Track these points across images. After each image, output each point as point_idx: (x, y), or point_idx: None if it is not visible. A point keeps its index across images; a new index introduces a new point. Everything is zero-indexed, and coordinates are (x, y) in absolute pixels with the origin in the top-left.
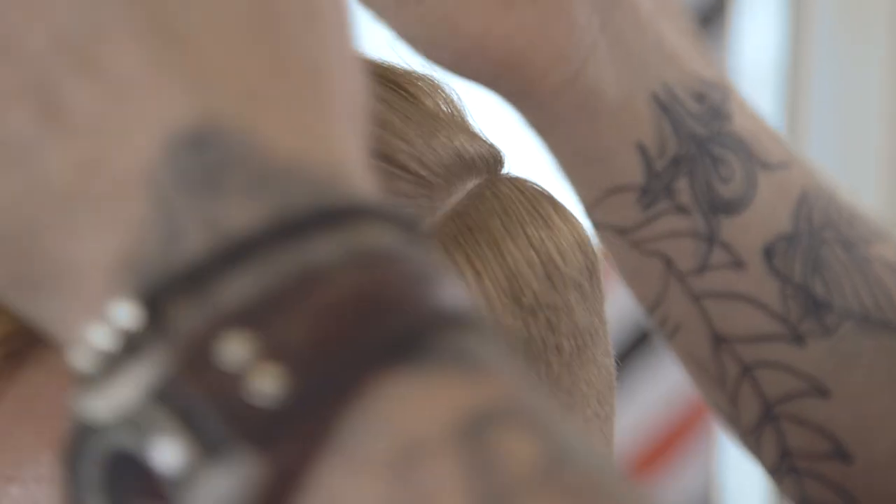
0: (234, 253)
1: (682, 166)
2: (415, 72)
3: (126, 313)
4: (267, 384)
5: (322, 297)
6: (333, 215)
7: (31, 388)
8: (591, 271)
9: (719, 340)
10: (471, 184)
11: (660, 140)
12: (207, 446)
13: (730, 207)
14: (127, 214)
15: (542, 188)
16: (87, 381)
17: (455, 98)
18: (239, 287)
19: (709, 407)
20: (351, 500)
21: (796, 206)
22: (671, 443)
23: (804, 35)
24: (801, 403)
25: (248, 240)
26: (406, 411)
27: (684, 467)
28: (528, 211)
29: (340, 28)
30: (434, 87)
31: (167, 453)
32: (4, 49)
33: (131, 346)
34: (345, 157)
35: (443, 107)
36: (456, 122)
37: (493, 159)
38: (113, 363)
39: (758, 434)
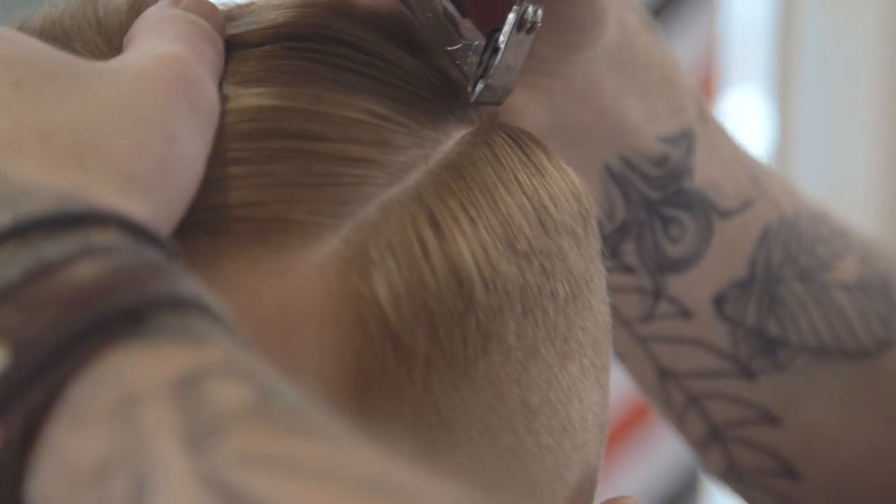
0: None
1: (629, 231)
2: (405, 23)
3: None
4: None
5: (52, 284)
6: (69, 221)
7: None
8: (585, 219)
9: (665, 374)
10: (463, 133)
11: (608, 208)
12: None
13: (678, 266)
14: None
15: (534, 137)
16: None
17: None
18: None
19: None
20: (77, 449)
21: (755, 249)
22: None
23: None
24: (749, 430)
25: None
26: (128, 371)
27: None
28: (520, 159)
29: (116, 104)
30: (424, 41)
31: None
32: None
33: None
34: (85, 187)
35: (431, 58)
36: (445, 74)
37: (484, 109)
38: None
39: (704, 450)
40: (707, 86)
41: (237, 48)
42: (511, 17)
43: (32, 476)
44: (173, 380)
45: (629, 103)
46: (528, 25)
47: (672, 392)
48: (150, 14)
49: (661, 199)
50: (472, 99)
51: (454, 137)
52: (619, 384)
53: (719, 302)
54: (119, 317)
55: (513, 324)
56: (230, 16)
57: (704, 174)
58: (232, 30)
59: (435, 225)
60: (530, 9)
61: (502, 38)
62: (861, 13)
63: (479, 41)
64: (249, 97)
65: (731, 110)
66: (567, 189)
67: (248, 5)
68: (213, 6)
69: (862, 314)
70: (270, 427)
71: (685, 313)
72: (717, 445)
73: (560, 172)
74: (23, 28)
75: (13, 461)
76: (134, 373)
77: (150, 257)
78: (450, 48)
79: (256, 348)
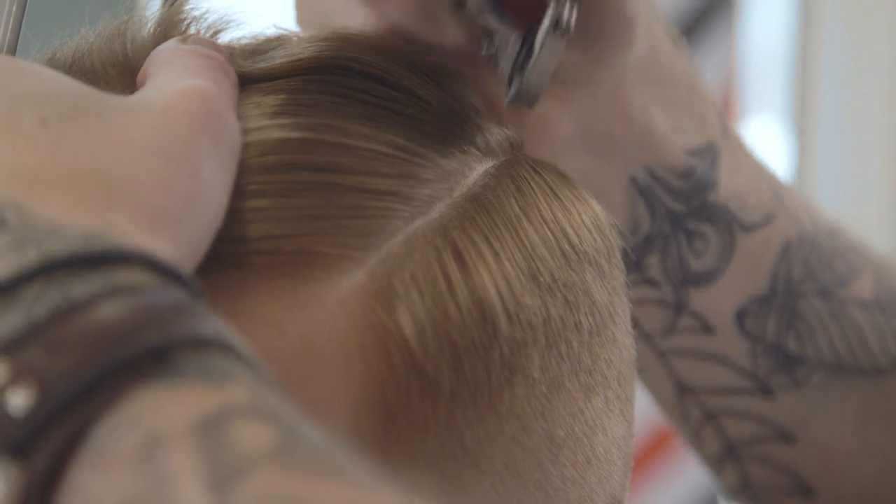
0: (3, 293)
1: (654, 244)
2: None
3: None
4: (18, 401)
5: (78, 324)
6: (95, 260)
7: None
8: (609, 251)
9: (684, 390)
10: (487, 166)
11: (633, 221)
12: None
13: (701, 279)
14: None
15: (558, 170)
16: None
17: (468, 82)
18: (6, 321)
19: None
20: (100, 490)
21: (776, 263)
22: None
23: (813, 23)
24: (765, 447)
25: (15, 281)
26: (152, 412)
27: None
28: (543, 191)
29: (148, 146)
30: (449, 73)
31: None
32: None
33: None
34: (111, 224)
35: (457, 91)
36: (471, 107)
37: (508, 143)
38: None
39: (719, 467)
40: (725, 113)
41: (261, 80)
42: (547, 17)
43: None
44: (196, 421)
45: (655, 115)
46: (564, 27)
47: (690, 408)
48: (165, 49)
49: (686, 211)
50: (507, 100)
51: (478, 170)
52: (642, 410)
53: (740, 317)
54: (143, 357)
55: (537, 356)
56: (255, 50)
57: (728, 187)
58: (256, 63)
59: (459, 258)
60: (566, 10)
61: (539, 38)
62: (878, 41)
63: (516, 39)
64: (273, 129)
65: (749, 138)
66: (590, 221)
67: (272, 39)
68: (215, 44)
69: (878, 331)
70: (293, 468)
71: (706, 328)
72: (733, 462)
73: (583, 205)
74: (53, 61)
75: (37, 501)
76: (157, 414)
77: (174, 297)
78: (488, 51)
79: (281, 386)
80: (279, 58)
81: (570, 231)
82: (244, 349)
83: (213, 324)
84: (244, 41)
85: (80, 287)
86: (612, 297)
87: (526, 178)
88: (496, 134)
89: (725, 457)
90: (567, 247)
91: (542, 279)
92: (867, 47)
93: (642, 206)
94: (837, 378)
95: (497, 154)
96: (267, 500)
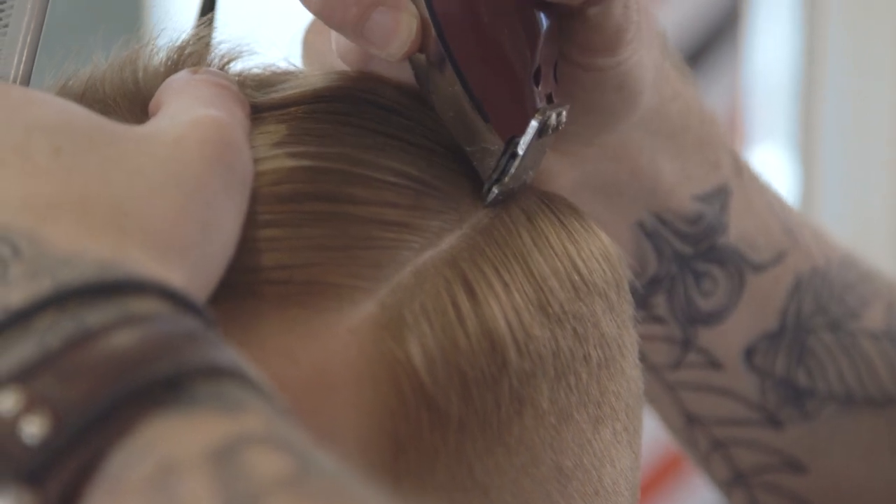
0: (16, 322)
1: (660, 284)
2: None
3: None
4: (33, 429)
5: (92, 352)
6: (108, 289)
7: None
8: (619, 284)
9: (692, 419)
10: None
11: (640, 262)
12: None
13: (709, 319)
14: None
15: (568, 202)
16: None
17: None
18: (20, 350)
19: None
20: None
21: (786, 300)
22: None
23: (818, 47)
24: (774, 476)
25: (29, 310)
26: (167, 440)
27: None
28: (552, 223)
29: (154, 173)
30: None
31: None
32: None
33: None
34: (124, 253)
35: None
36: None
37: None
38: None
39: (729, 491)
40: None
41: (273, 110)
42: (533, 124)
43: None
44: (210, 450)
45: (664, 166)
46: (550, 131)
47: (698, 437)
48: (179, 78)
49: (694, 254)
50: (485, 202)
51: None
52: (652, 435)
53: (749, 354)
54: (156, 385)
55: (546, 388)
56: (266, 81)
57: (738, 229)
58: (267, 94)
59: (469, 289)
60: (553, 117)
61: (522, 146)
62: (882, 69)
63: (498, 147)
64: (284, 158)
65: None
66: (600, 254)
67: (285, 72)
68: (225, 75)
69: (888, 361)
70: (308, 497)
71: (714, 364)
72: (742, 489)
73: (593, 237)
74: (65, 88)
75: None
76: (171, 443)
77: (188, 326)
78: (469, 148)
79: (295, 415)
80: (290, 89)
81: (579, 263)
82: (257, 378)
83: (227, 352)
84: (255, 71)
85: (94, 316)
86: (620, 330)
87: (536, 210)
88: None
89: (734, 483)
90: (577, 278)
91: (551, 310)
92: (871, 74)
93: (649, 249)
94: (847, 410)
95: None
96: None
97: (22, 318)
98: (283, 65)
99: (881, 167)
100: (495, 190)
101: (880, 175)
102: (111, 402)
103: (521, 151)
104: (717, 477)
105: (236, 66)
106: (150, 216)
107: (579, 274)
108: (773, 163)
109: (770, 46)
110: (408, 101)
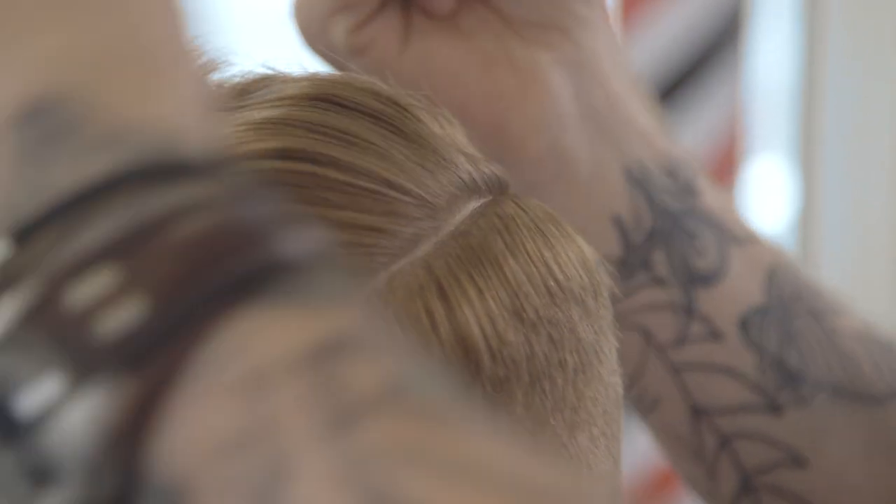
0: (93, 197)
1: (658, 239)
2: (416, 94)
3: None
4: (131, 311)
5: (176, 237)
6: (178, 169)
7: None
8: (596, 290)
9: (698, 413)
10: (474, 204)
11: (635, 213)
12: (76, 371)
13: (706, 279)
14: None
15: (545, 208)
16: None
17: (454, 119)
18: (103, 226)
19: (685, 482)
20: (205, 423)
21: (767, 279)
22: None
23: (818, 63)
24: (779, 474)
25: (105, 185)
26: (257, 342)
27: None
28: (529, 229)
29: (168, 13)
30: (435, 109)
31: (36, 389)
32: None
33: (5, 281)
34: (185, 117)
35: (444, 128)
36: (458, 144)
37: (495, 181)
38: None
39: None
40: (731, 154)
41: (253, 113)
42: None
43: (158, 439)
44: (306, 353)
45: (633, 105)
46: None
47: (706, 436)
48: None
49: (682, 210)
50: None
51: (466, 209)
52: (644, 452)
53: (745, 325)
54: (245, 278)
55: (520, 394)
56: (246, 89)
57: (711, 201)
58: (244, 102)
59: (443, 295)
60: None
61: None
62: (883, 80)
63: None
64: (258, 161)
65: (755, 178)
66: (577, 260)
67: (263, 79)
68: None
69: (872, 361)
70: (413, 415)
71: (716, 334)
72: (750, 499)
73: (570, 243)
74: None
75: (138, 421)
76: (265, 343)
77: (267, 208)
78: None
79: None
80: (267, 94)
81: (555, 268)
82: (339, 263)
83: (306, 235)
84: (234, 80)
85: (169, 198)
86: (598, 336)
87: (513, 216)
88: (484, 171)
89: (743, 492)
90: (552, 283)
91: (525, 316)
92: (872, 86)
93: (641, 199)
94: (839, 401)
95: (485, 191)
96: (388, 452)
97: (94, 195)
98: (261, 70)
99: (882, 178)
100: None
101: (881, 186)
102: (201, 293)
103: None
104: (725, 487)
105: (216, 77)
106: (181, 65)
107: (555, 279)
108: (773, 173)
109: (771, 57)
110: (385, 106)
